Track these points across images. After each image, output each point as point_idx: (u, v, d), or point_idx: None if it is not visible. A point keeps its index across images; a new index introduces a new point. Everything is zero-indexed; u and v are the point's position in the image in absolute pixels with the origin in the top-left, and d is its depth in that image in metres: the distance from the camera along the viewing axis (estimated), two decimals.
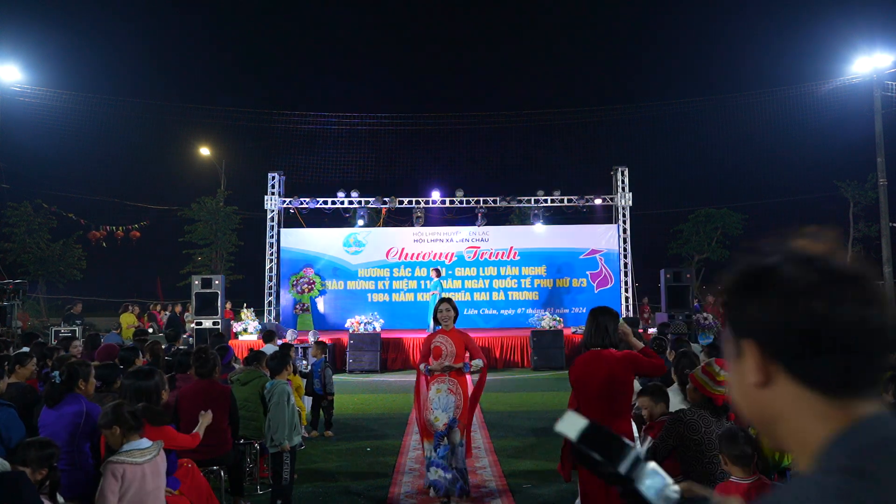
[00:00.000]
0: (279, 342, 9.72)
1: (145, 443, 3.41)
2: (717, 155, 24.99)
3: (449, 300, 5.60)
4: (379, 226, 17.37)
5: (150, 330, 13.80)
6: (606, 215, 17.17)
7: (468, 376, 5.57)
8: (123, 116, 21.51)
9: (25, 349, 6.83)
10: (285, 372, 5.51)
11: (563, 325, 14.28)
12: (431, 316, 14.71)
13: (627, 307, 16.51)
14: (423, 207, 16.76)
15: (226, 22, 45.93)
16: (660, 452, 3.65)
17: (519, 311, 16.29)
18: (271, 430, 5.07)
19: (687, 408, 3.76)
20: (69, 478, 3.92)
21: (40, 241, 21.29)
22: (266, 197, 16.83)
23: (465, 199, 16.89)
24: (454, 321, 5.50)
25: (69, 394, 4.15)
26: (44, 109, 18.95)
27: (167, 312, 17.37)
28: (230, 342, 11.80)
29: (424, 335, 5.51)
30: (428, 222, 16.88)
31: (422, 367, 5.55)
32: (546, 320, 14.05)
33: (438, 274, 15.12)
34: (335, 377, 12.88)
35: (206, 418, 4.35)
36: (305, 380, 7.87)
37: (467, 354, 5.50)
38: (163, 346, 7.45)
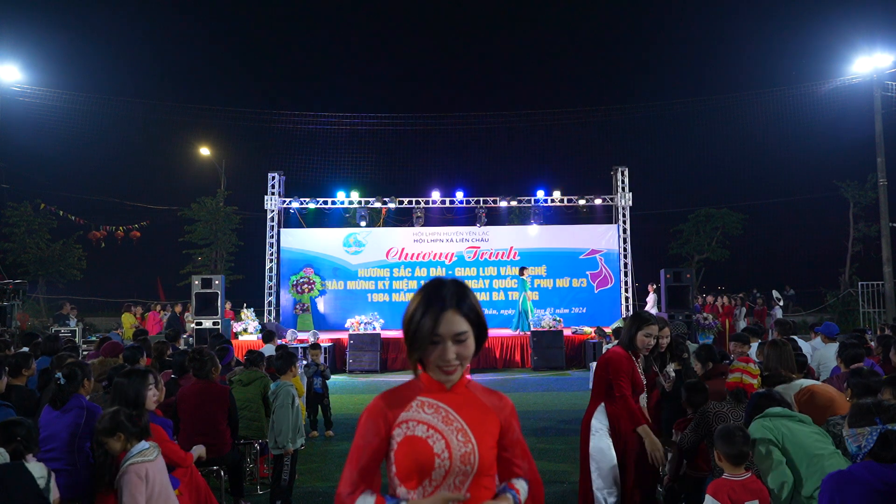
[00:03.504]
0: (279, 342, 9.74)
1: (145, 444, 3.42)
2: (717, 155, 25.01)
3: (463, 296, 1.78)
4: (379, 226, 17.37)
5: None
6: (606, 215, 17.17)
7: None
8: (123, 116, 21.54)
9: (25, 349, 6.83)
10: (290, 372, 5.50)
11: (562, 325, 14.28)
12: (518, 318, 14.62)
13: (627, 307, 16.51)
14: (423, 207, 16.77)
15: (226, 22, 45.90)
16: (688, 444, 4.00)
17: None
18: (275, 433, 5.06)
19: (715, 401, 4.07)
20: (70, 478, 3.91)
21: (40, 241, 21.30)
22: (266, 197, 16.84)
23: (465, 199, 16.90)
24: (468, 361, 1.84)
25: (74, 394, 4.16)
26: (44, 109, 18.96)
27: (166, 312, 17.36)
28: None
29: None
30: (428, 222, 16.89)
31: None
32: (546, 320, 14.05)
33: (523, 272, 15.12)
34: (335, 377, 12.96)
35: (199, 451, 4.27)
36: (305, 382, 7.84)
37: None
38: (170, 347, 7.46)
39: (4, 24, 26.71)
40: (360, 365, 13.51)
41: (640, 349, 4.07)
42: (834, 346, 6.22)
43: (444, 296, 1.75)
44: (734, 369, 4.00)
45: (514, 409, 1.96)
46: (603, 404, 4.07)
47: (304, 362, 8.45)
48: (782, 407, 3.40)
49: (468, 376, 1.92)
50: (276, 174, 16.96)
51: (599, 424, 4.03)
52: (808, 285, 24.20)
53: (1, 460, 3.11)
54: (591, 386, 4.47)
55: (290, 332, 13.21)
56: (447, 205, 17.05)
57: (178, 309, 16.91)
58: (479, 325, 1.80)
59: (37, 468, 3.16)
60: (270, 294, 16.80)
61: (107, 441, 3.39)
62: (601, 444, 4.00)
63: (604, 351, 11.62)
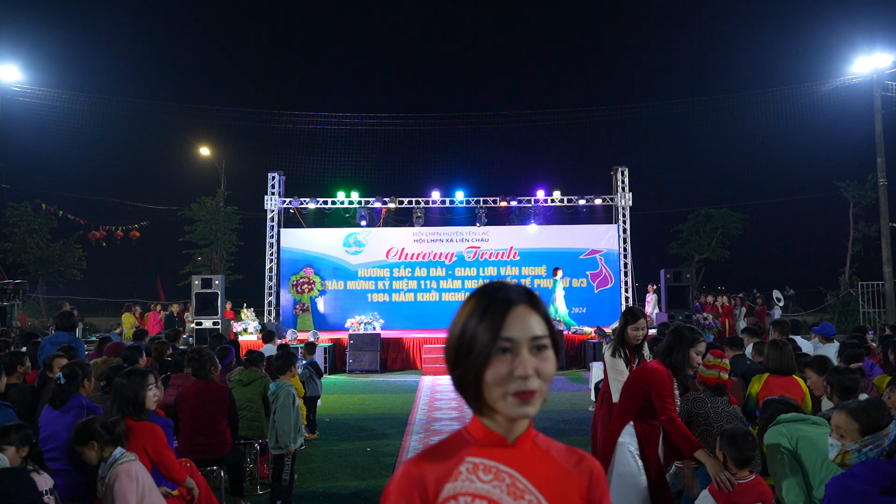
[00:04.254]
0: (279, 342, 9.73)
1: (121, 450, 3.41)
2: (717, 155, 25.02)
3: (535, 295, 1.25)
4: (379, 226, 17.36)
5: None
6: (606, 215, 17.16)
7: None
8: (123, 116, 21.55)
9: (23, 349, 6.85)
10: (290, 372, 5.49)
11: (563, 325, 14.27)
12: (561, 313, 14.30)
13: (628, 307, 16.49)
14: (423, 207, 16.75)
15: (226, 22, 45.91)
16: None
17: None
18: (276, 433, 5.06)
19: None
20: (70, 478, 3.91)
21: (40, 241, 21.31)
22: (266, 197, 16.83)
23: (465, 199, 16.89)
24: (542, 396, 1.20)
25: (74, 394, 4.16)
26: (44, 109, 18.97)
27: (165, 312, 17.37)
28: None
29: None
30: (428, 222, 16.88)
31: None
32: None
33: (556, 273, 15.11)
34: (335, 377, 12.95)
35: (191, 485, 4.15)
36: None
37: None
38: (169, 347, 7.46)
39: (4, 24, 26.71)
40: (360, 365, 13.51)
41: (690, 367, 3.61)
42: (832, 347, 6.23)
43: (508, 293, 1.20)
44: (711, 366, 4.03)
45: (602, 473, 1.32)
46: (632, 423, 3.63)
47: (303, 362, 8.45)
48: (796, 412, 3.36)
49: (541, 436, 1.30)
50: (276, 174, 16.95)
51: (630, 446, 3.61)
52: (808, 285, 24.24)
53: (0, 465, 3.11)
54: (590, 385, 4.40)
55: (290, 332, 13.19)
56: (447, 205, 17.04)
57: (175, 309, 16.93)
58: (556, 342, 1.25)
59: (42, 481, 3.17)
60: (270, 294, 16.79)
61: (82, 451, 3.39)
62: (631, 468, 3.58)
63: (603, 351, 11.64)
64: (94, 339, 13.50)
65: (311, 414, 7.79)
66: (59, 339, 6.59)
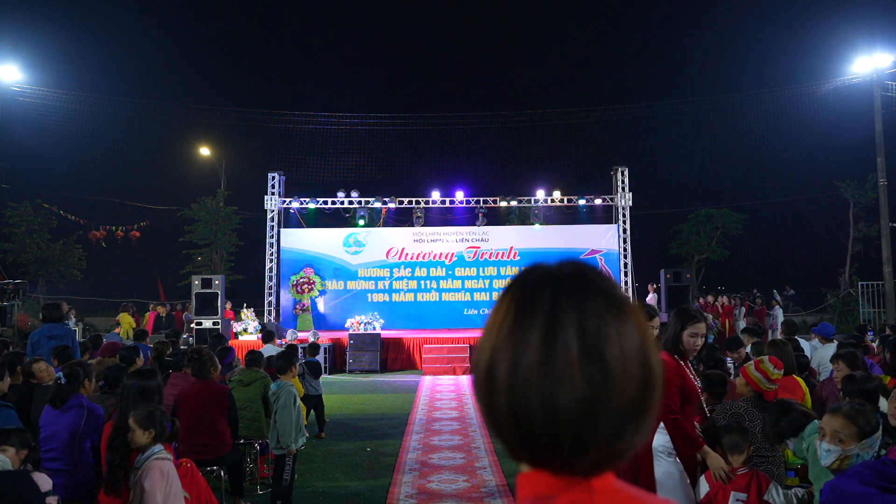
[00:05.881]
0: (279, 342, 9.74)
1: (159, 447, 3.43)
2: (717, 155, 25.02)
3: None
4: (379, 226, 17.36)
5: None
6: (606, 215, 17.16)
7: None
8: (124, 116, 21.54)
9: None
10: (290, 373, 5.50)
11: None
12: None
13: None
14: (423, 207, 16.75)
15: (226, 22, 45.93)
16: (707, 436, 3.65)
17: None
18: (278, 433, 5.06)
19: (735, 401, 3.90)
20: (70, 478, 3.92)
21: (40, 241, 21.30)
22: (266, 197, 16.83)
23: (465, 199, 16.89)
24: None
25: (74, 394, 4.17)
26: (44, 109, 18.97)
27: (156, 312, 17.39)
28: (231, 342, 11.79)
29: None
30: (428, 222, 16.88)
31: None
32: None
33: None
34: (334, 377, 12.96)
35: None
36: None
37: None
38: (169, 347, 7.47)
39: (4, 24, 26.70)
40: (360, 365, 13.52)
41: (688, 351, 3.48)
42: (832, 347, 6.23)
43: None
44: (774, 379, 3.77)
45: None
46: (662, 423, 3.42)
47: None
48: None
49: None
50: (276, 174, 16.95)
51: (664, 447, 3.44)
52: (808, 285, 24.21)
53: (0, 467, 3.11)
54: None
55: (290, 332, 13.21)
56: (447, 205, 17.04)
57: (162, 310, 16.95)
58: None
59: (43, 481, 3.17)
60: (270, 294, 16.79)
61: (135, 430, 3.36)
62: (669, 468, 3.42)
63: None
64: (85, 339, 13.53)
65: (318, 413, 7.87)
66: (53, 332, 6.55)
